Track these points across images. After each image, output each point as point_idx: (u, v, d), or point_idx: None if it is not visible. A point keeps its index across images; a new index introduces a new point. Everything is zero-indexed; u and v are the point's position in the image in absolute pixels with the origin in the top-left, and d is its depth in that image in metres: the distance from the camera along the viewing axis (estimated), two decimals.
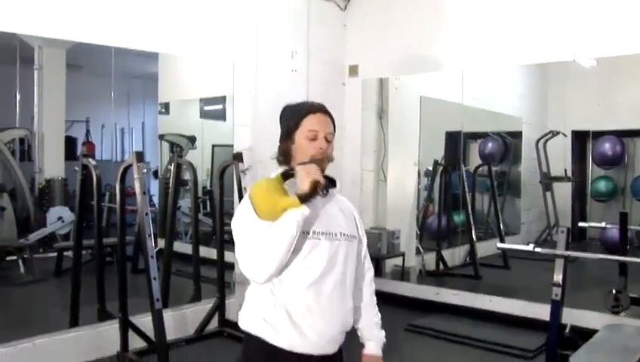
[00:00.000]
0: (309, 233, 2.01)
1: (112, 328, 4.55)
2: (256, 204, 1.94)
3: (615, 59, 5.37)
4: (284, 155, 2.10)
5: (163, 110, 7.76)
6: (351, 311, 2.16)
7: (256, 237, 1.93)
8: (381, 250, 6.24)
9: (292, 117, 2.11)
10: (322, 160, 2.05)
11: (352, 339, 2.22)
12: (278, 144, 2.13)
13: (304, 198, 1.90)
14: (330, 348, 2.08)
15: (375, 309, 2.32)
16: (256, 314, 2.06)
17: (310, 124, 2.06)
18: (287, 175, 2.02)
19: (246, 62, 5.46)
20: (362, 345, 2.29)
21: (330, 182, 2.10)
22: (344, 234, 2.11)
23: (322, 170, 2.01)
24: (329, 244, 2.03)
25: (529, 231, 8.86)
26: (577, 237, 8.31)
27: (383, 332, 2.29)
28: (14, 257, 6.58)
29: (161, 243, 5.53)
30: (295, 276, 2.00)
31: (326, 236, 2.04)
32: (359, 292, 2.26)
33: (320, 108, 2.12)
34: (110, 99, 7.19)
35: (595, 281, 6.39)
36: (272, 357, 2.02)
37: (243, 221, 2.00)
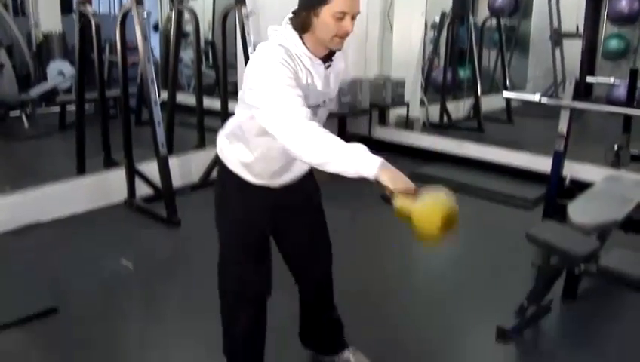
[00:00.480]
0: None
1: (119, 176, 4.63)
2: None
3: None
4: (303, 25, 1.94)
5: None
6: None
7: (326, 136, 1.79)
8: (385, 98, 6.15)
9: None
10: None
11: None
12: (297, 8, 1.96)
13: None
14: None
15: None
16: (235, 158, 2.14)
17: (341, 4, 1.87)
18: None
19: None
20: None
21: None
22: (328, 100, 2.13)
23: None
24: (314, 112, 1.98)
25: (535, 87, 8.73)
26: (584, 94, 8.25)
27: None
28: (17, 113, 6.59)
29: (164, 95, 5.50)
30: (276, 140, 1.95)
31: (315, 107, 2.02)
32: None
33: None
34: None
35: (598, 137, 6.39)
36: (245, 187, 2.15)
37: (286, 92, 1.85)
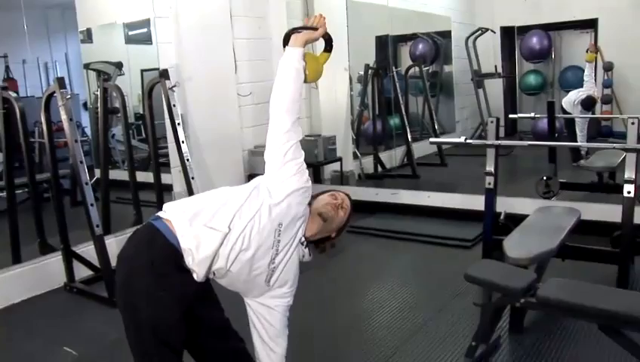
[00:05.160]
0: None
1: (57, 261, 4.52)
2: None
3: None
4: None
5: (86, 38, 7.43)
6: None
7: None
8: (318, 156, 6.25)
9: None
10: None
11: None
12: None
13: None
14: None
15: None
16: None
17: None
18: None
19: None
20: None
21: None
22: (270, 266, 2.28)
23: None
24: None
25: (464, 129, 9.07)
26: (510, 130, 8.58)
27: None
28: None
29: (98, 173, 5.43)
30: None
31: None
32: None
33: None
34: (24, 33, 6.82)
35: (528, 172, 6.61)
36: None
37: None
